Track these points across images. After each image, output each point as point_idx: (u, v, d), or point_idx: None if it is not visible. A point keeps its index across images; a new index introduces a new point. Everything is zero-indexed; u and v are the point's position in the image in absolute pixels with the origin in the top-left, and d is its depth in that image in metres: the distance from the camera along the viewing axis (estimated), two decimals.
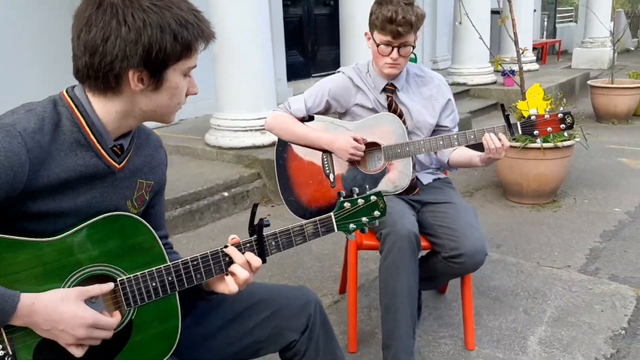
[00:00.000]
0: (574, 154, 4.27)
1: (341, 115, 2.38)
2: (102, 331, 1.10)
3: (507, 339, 2.41)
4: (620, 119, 6.67)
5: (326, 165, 2.28)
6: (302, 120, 2.32)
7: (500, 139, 2.10)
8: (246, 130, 4.49)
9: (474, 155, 2.26)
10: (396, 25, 2.09)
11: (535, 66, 9.31)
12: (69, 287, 1.11)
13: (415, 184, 2.30)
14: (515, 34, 4.09)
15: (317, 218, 1.37)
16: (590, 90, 6.83)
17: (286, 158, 2.33)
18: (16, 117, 1.09)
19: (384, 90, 2.30)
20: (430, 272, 2.21)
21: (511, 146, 3.92)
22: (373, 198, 1.45)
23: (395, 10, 2.10)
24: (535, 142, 3.77)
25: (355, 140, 2.19)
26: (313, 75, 7.83)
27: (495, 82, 7.61)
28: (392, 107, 2.29)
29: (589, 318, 2.56)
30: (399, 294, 2.01)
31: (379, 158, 2.28)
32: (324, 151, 2.27)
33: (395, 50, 2.16)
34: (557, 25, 15.14)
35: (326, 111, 2.35)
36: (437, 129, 2.36)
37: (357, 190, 1.45)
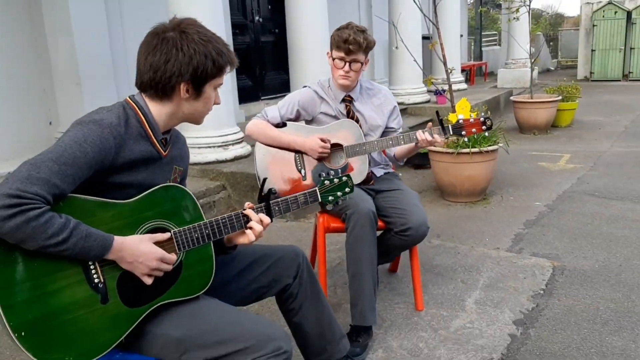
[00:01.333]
0: (501, 159, 4.93)
1: (309, 122, 2.88)
2: (166, 265, 1.54)
3: (449, 302, 2.94)
4: (541, 130, 7.49)
5: (298, 163, 2.76)
6: (277, 126, 2.80)
7: (432, 136, 2.66)
8: (210, 147, 4.91)
9: (411, 146, 2.80)
10: (348, 44, 2.65)
11: (464, 86, 10.16)
12: (141, 234, 1.54)
13: (370, 177, 2.82)
14: (444, 56, 4.74)
15: (307, 191, 1.86)
16: (514, 105, 7.64)
17: (265, 160, 2.80)
18: (102, 115, 1.53)
19: (343, 100, 2.83)
20: (385, 247, 2.72)
21: (446, 152, 4.57)
22: (344, 179, 1.95)
23: (349, 34, 2.66)
24: (466, 147, 4.41)
25: (323, 141, 2.69)
26: (262, 97, 8.32)
27: (429, 101, 8.33)
28: (350, 114, 2.82)
29: (514, 283, 3.13)
30: (363, 261, 2.51)
31: (340, 156, 2.79)
32: (296, 151, 2.75)
33: (347, 64, 2.70)
34: (483, 49, 16.29)
35: (296, 119, 2.85)
36: (386, 130, 2.91)
37: (332, 173, 1.95)
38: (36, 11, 5.61)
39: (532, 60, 7.41)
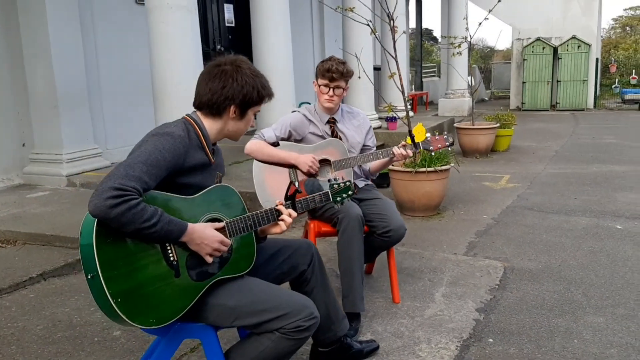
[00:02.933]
0: (450, 179, 5.50)
1: (299, 141, 3.32)
2: (224, 247, 1.93)
3: (420, 296, 3.41)
4: (482, 154, 8.21)
5: (292, 176, 3.19)
6: (272, 145, 3.22)
7: (406, 151, 3.16)
8: None
9: (385, 161, 3.28)
10: (331, 73, 3.14)
11: (411, 113, 10.86)
12: (200, 222, 1.93)
13: (354, 187, 3.27)
14: (402, 85, 5.30)
15: (322, 192, 2.29)
16: (457, 131, 8.35)
17: (263, 175, 3.21)
18: (171, 129, 1.92)
19: (328, 122, 3.29)
20: (368, 248, 3.17)
21: (405, 171, 5.10)
22: (348, 183, 2.40)
23: (331, 64, 3.16)
24: (422, 166, 4.96)
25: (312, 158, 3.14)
26: None
27: (380, 127, 8.94)
28: (335, 134, 3.29)
29: (473, 280, 3.64)
30: (353, 258, 2.95)
31: (327, 170, 3.24)
32: (290, 166, 3.18)
33: (332, 90, 3.18)
34: (423, 80, 17.29)
35: (288, 138, 3.28)
36: (363, 148, 3.39)
37: (338, 179, 2.39)
38: (14, 38, 5.83)
39: (474, 91, 8.16)
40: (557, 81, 14.51)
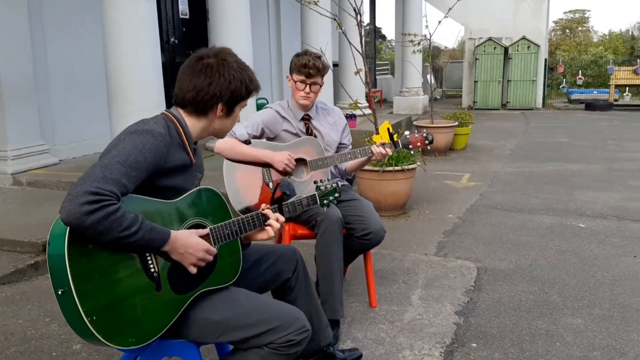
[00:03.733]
0: (414, 179, 5.45)
1: (271, 139, 3.15)
2: (209, 256, 1.75)
3: (397, 299, 3.31)
4: (441, 152, 8.23)
5: (266, 176, 3.02)
6: (244, 143, 3.04)
7: (385, 150, 3.04)
8: None
9: (363, 160, 3.15)
10: (308, 69, 2.98)
11: (368, 111, 10.82)
12: (182, 229, 1.74)
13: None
14: (367, 82, 5.21)
15: (309, 195, 2.14)
16: (416, 129, 8.32)
17: (234, 175, 3.03)
18: (151, 126, 1.73)
19: (302, 119, 3.14)
20: (346, 251, 3.03)
21: (372, 170, 5.00)
22: (334, 185, 2.26)
23: (308, 60, 3.00)
24: (389, 166, 4.87)
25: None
26: None
27: None
28: (309, 132, 3.13)
29: (448, 282, 3.57)
30: (333, 261, 2.81)
31: (302, 170, 3.09)
32: (264, 165, 3.01)
33: (308, 86, 3.03)
34: (377, 77, 17.30)
35: (260, 136, 3.11)
36: (339, 146, 3.25)
37: (324, 181, 2.25)
38: None
39: (433, 89, 8.16)
40: (508, 81, 14.80)
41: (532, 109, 14.74)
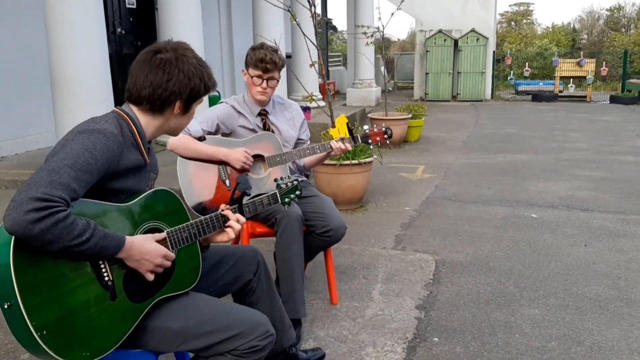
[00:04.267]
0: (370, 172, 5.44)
1: (227, 135, 3.06)
2: (167, 262, 1.66)
3: (358, 295, 3.28)
4: (395, 144, 8.27)
5: (222, 174, 2.93)
6: (199, 139, 2.94)
7: (345, 145, 3.00)
8: None
9: (322, 156, 3.10)
10: (265, 63, 2.91)
11: (322, 103, 10.79)
12: (138, 234, 1.65)
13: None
14: (323, 75, 5.15)
15: (269, 194, 2.07)
16: (370, 121, 8.35)
17: (188, 173, 2.93)
18: (102, 125, 1.62)
19: (259, 114, 3.06)
20: (306, 248, 2.97)
21: (329, 164, 4.96)
22: (295, 183, 2.20)
23: (265, 54, 2.92)
24: (346, 159, 4.84)
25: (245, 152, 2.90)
26: None
27: None
28: (267, 127, 3.06)
29: (407, 276, 3.57)
30: (294, 260, 2.75)
31: (260, 167, 3.01)
32: (220, 162, 2.92)
33: (265, 81, 2.95)
34: (329, 69, 17.27)
35: (215, 132, 3.01)
36: (298, 142, 3.19)
37: (285, 179, 2.18)
38: None
39: (387, 81, 8.17)
40: (458, 73, 15.03)
41: (482, 101, 15.03)
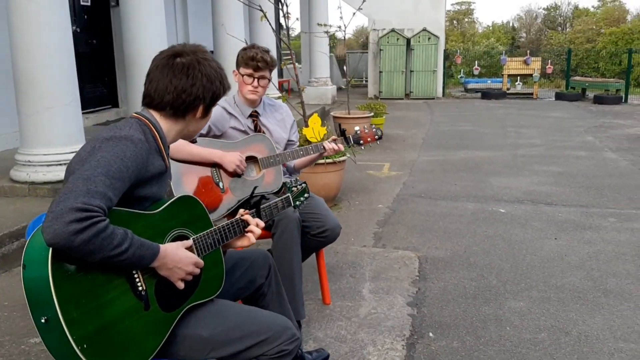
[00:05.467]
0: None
1: (218, 137, 3.02)
2: (197, 269, 1.64)
3: (348, 294, 3.31)
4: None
5: (216, 176, 2.89)
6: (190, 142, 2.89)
7: (337, 145, 3.03)
8: (61, 164, 4.62)
9: (314, 157, 3.11)
10: (256, 62, 2.90)
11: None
12: (166, 242, 1.62)
13: (282, 186, 3.07)
14: (297, 75, 5.15)
15: (283, 197, 2.07)
16: (333, 119, 8.39)
17: (180, 176, 2.87)
18: (128, 131, 1.58)
19: (250, 115, 3.04)
20: (301, 249, 2.98)
21: None
22: (304, 185, 2.21)
23: (256, 52, 2.91)
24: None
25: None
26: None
27: None
28: (258, 129, 3.04)
29: (393, 273, 3.62)
30: (293, 262, 2.75)
31: (252, 168, 2.99)
32: (213, 165, 2.88)
33: (256, 80, 2.94)
34: (283, 68, 17.22)
35: (207, 134, 2.97)
36: (288, 143, 3.18)
37: (293, 182, 2.19)
38: None
39: (350, 79, 8.23)
40: (411, 71, 15.29)
41: (434, 98, 15.35)
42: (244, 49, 2.97)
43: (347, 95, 8.66)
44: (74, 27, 7.95)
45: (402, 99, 15.32)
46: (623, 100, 14.37)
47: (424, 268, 3.74)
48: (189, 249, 1.67)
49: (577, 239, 4.32)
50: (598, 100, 14.22)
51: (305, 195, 2.20)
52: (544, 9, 42.11)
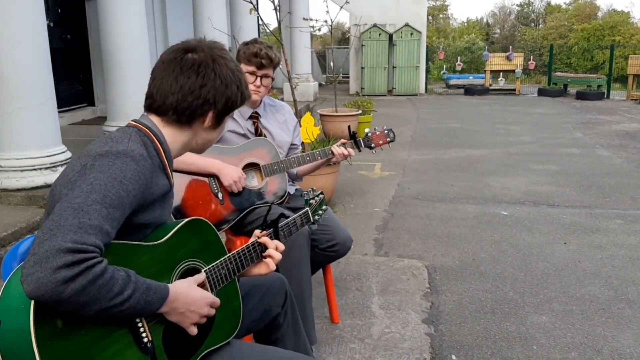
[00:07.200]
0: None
1: (215, 142, 2.71)
2: (213, 310, 1.35)
3: (357, 311, 3.04)
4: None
5: (214, 186, 2.59)
6: None
7: (347, 150, 2.76)
8: (36, 169, 4.26)
9: (321, 162, 2.84)
10: (260, 58, 2.60)
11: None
12: (174, 280, 1.32)
13: (286, 195, 2.78)
14: (288, 72, 4.85)
15: (301, 213, 1.79)
16: (320, 117, 8.11)
17: (176, 182, 2.56)
18: (127, 145, 1.27)
19: (250, 117, 2.74)
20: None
21: None
22: (321, 197, 1.93)
23: (260, 48, 2.62)
24: None
25: None
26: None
27: None
28: (259, 132, 2.74)
29: (402, 286, 3.36)
30: (304, 282, 2.47)
31: (252, 176, 2.70)
32: (211, 176, 2.57)
33: (259, 79, 2.64)
34: None
35: None
36: (291, 147, 2.90)
37: (310, 192, 1.91)
38: None
39: (336, 76, 7.95)
40: (393, 67, 15.06)
41: (417, 95, 15.15)
42: (246, 44, 2.66)
43: (334, 92, 8.39)
44: (48, 21, 7.54)
45: (385, 95, 15.09)
46: (606, 96, 14.36)
47: (434, 279, 3.48)
48: (202, 284, 1.38)
49: (587, 244, 4.12)
50: (581, 96, 14.18)
51: (324, 207, 1.93)
52: (517, 5, 42.34)
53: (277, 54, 2.68)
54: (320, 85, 18.53)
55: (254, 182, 2.69)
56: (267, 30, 6.53)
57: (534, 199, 5.33)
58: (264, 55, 2.58)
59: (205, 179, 2.59)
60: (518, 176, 6.25)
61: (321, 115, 8.12)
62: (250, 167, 2.67)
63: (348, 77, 16.30)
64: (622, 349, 2.68)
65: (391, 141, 2.89)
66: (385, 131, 2.88)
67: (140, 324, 1.22)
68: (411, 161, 7.08)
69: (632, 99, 13.86)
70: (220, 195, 2.59)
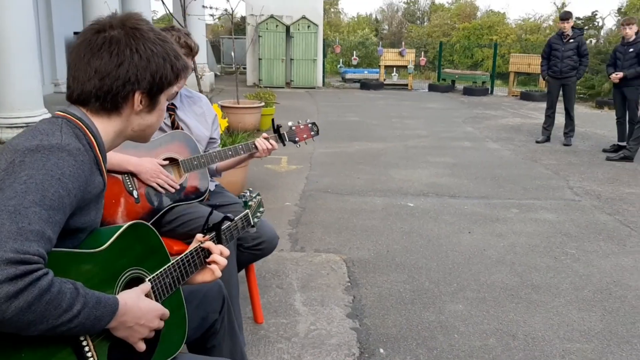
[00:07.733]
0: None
1: None
2: (162, 322, 1.22)
3: (281, 309, 2.97)
4: (250, 134, 7.94)
5: (128, 184, 2.40)
6: None
7: (271, 144, 2.67)
8: None
9: (244, 157, 2.73)
10: (180, 47, 2.43)
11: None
12: (118, 291, 1.18)
13: (206, 192, 2.64)
14: (194, 61, 4.64)
15: (242, 215, 1.69)
16: (223, 110, 7.89)
17: None
18: (59, 138, 1.11)
19: (167, 109, 2.56)
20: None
21: None
22: (259, 198, 1.84)
23: (178, 36, 2.47)
24: None
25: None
26: None
27: None
28: (175, 125, 2.58)
29: (323, 281, 3.34)
30: (231, 285, 2.35)
31: (170, 171, 2.53)
32: (127, 173, 2.38)
33: None
34: None
35: None
36: (209, 141, 2.76)
37: (247, 193, 1.82)
38: None
39: (237, 67, 7.78)
40: (291, 59, 15.06)
41: (314, 88, 15.27)
42: (163, 31, 2.48)
43: (235, 84, 8.22)
44: None
45: (283, 87, 15.06)
46: (490, 92, 15.28)
47: (353, 272, 3.49)
48: (147, 295, 1.25)
49: (490, 232, 4.33)
50: (467, 91, 14.98)
51: (261, 209, 1.84)
52: (404, 2, 43.92)
53: (196, 42, 2.54)
54: (215, 75, 18.15)
55: (173, 177, 2.52)
56: (154, 18, 6.22)
57: (435, 190, 5.53)
58: (183, 43, 2.44)
59: (119, 176, 2.39)
60: (419, 169, 6.46)
61: (222, 107, 7.91)
62: (168, 162, 2.50)
63: (245, 68, 16.06)
64: (534, 333, 2.83)
65: (315, 135, 2.84)
66: (309, 125, 2.83)
67: (85, 342, 1.07)
68: (317, 155, 7.10)
69: (513, 95, 14.87)
70: (135, 193, 2.40)
